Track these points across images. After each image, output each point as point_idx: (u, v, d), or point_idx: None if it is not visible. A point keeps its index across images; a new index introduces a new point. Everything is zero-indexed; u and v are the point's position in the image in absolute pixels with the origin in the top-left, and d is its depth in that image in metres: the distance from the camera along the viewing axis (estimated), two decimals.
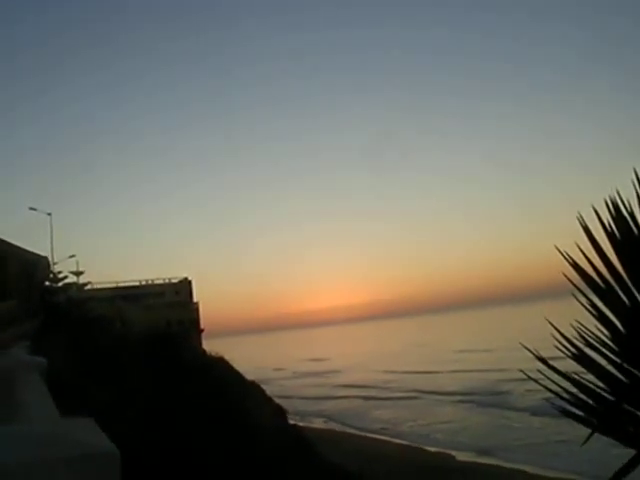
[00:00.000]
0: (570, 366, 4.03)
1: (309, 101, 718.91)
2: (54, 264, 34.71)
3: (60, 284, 20.66)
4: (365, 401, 45.66)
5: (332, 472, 16.42)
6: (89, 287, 45.89)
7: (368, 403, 44.51)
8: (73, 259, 44.15)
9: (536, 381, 4.10)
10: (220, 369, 19.11)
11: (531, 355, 4.18)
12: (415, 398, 44.25)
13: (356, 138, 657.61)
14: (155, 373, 13.46)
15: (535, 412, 30.12)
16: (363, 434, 31.93)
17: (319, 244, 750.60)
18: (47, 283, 18.95)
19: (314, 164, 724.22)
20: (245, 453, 12.63)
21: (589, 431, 3.91)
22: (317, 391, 53.47)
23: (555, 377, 4.00)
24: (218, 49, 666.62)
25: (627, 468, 3.72)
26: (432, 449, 26.96)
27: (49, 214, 43.70)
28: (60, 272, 22.42)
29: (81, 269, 44.86)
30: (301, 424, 26.62)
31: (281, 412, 21.99)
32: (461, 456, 25.25)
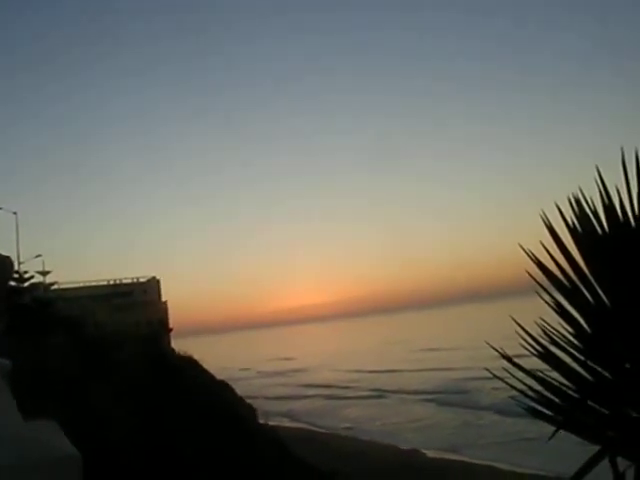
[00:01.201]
0: (536, 364, 4.06)
1: (296, 103, 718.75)
2: (20, 264, 34.31)
3: (26, 284, 20.38)
4: (330, 400, 45.65)
5: (304, 470, 16.44)
6: (56, 287, 45.31)
7: (333, 402, 44.51)
8: (39, 259, 43.61)
9: (502, 379, 4.13)
10: (190, 369, 19.01)
11: (497, 353, 4.21)
12: (380, 397, 44.39)
13: (332, 139, 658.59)
14: (136, 373, 13.40)
15: (501, 410, 30.32)
16: (332, 432, 31.94)
17: (293, 243, 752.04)
18: (13, 283, 18.69)
19: (291, 165, 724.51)
20: (242, 452, 12.67)
21: (554, 429, 3.95)
22: (282, 391, 53.37)
23: (520, 375, 4.03)
24: (217, 48, 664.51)
25: (591, 464, 3.77)
26: (402, 447, 27.06)
27: (14, 213, 43.12)
28: (26, 272, 22.11)
29: (47, 269, 44.31)
30: (271, 423, 26.55)
31: (252, 411, 21.98)
32: (429, 454, 25.39)
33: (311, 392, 51.16)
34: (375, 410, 39.11)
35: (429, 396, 41.38)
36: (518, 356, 4.07)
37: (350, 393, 48.07)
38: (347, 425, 34.61)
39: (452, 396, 39.48)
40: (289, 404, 44.33)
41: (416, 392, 43.78)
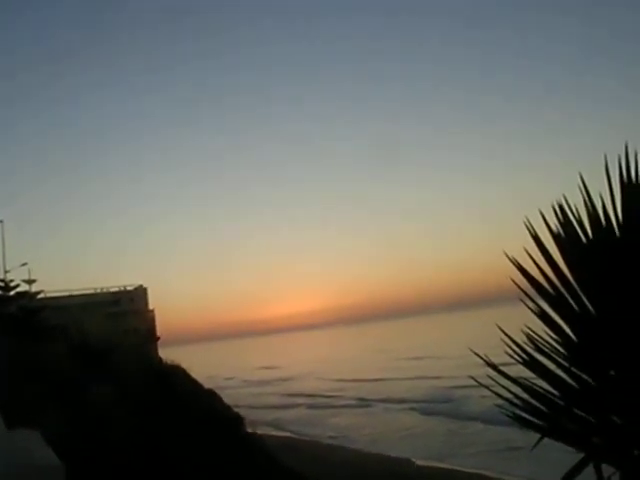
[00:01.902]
0: (520, 372, 4.07)
1: (295, 108, 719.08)
2: (6, 272, 34.02)
3: (12, 293, 20.22)
4: (314, 410, 45.21)
5: (292, 478, 16.39)
6: (42, 296, 45.03)
7: (317, 412, 44.06)
8: (25, 267, 43.25)
9: (487, 387, 4.14)
10: (178, 377, 18.95)
11: (481, 361, 4.21)
12: (365, 406, 44.06)
13: (328, 145, 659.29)
14: (127, 381, 13.36)
15: (486, 419, 30.12)
16: (318, 441, 31.75)
17: (284, 250, 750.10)
18: None
19: (283, 174, 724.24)
20: (236, 460, 12.67)
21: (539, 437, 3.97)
22: (266, 400, 52.86)
23: (505, 383, 4.04)
24: (217, 52, 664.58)
25: (576, 470, 3.78)
26: (390, 455, 26.94)
27: (0, 221, 42.86)
28: (12, 281, 21.93)
29: (34, 277, 43.95)
30: (259, 432, 26.40)
31: (240, 420, 21.88)
32: (417, 462, 25.27)
33: (295, 401, 50.80)
34: (360, 419, 38.86)
35: (414, 405, 41.10)
36: (503, 364, 4.08)
37: (335, 402, 47.74)
38: (332, 434, 34.36)
39: (437, 405, 39.24)
40: (274, 413, 43.92)
41: (401, 401, 43.48)
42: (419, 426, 34.56)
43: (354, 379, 60.26)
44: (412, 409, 40.04)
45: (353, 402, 46.47)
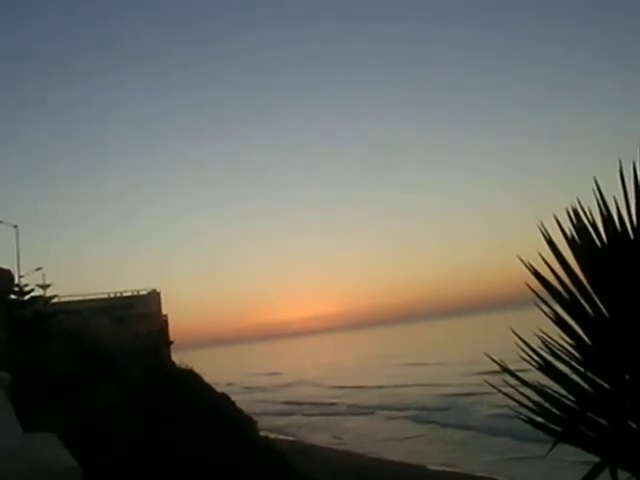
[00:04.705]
0: (531, 377, 4.05)
1: (296, 116, 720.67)
2: (20, 277, 34.18)
3: (26, 297, 20.25)
4: (313, 417, 44.70)
5: None
6: (56, 300, 45.16)
7: (316, 419, 43.57)
8: (40, 272, 43.45)
9: (507, 394, 4.12)
10: (191, 380, 18.99)
11: (487, 368, 4.20)
12: (366, 413, 43.56)
13: (338, 153, 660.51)
14: (138, 383, 13.39)
15: (490, 428, 29.83)
16: (326, 447, 31.42)
17: (294, 256, 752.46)
18: (13, 296, 18.61)
19: (290, 178, 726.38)
20: (251, 464, 12.68)
21: (548, 448, 3.95)
22: (266, 406, 52.06)
23: (511, 389, 4.03)
24: (216, 58, 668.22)
25: (591, 475, 3.76)
26: (404, 460, 26.73)
27: (15, 226, 43.12)
28: (26, 285, 21.97)
29: (48, 282, 44.08)
30: (271, 436, 26.37)
31: (253, 423, 21.85)
32: (430, 467, 25.06)
33: (295, 408, 50.29)
34: (361, 426, 38.46)
35: (413, 413, 40.60)
36: (514, 370, 4.06)
37: (335, 409, 47.35)
38: (333, 441, 34.09)
39: (436, 413, 38.76)
40: (274, 420, 43.32)
41: (401, 408, 43.09)
42: (420, 434, 33.95)
43: (356, 386, 59.66)
44: (412, 417, 39.49)
45: (352, 410, 45.89)
